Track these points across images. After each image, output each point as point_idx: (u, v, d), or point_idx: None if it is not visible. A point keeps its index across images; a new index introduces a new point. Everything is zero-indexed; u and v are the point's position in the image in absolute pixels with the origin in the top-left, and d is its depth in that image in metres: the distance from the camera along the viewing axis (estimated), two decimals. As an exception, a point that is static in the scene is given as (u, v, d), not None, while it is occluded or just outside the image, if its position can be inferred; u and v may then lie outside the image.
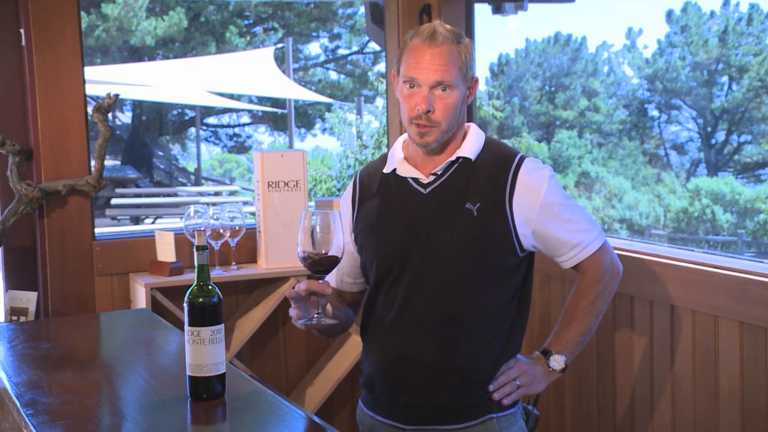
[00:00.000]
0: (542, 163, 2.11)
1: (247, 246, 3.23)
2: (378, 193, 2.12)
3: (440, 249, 2.01)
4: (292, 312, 1.92)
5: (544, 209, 2.02)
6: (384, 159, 2.17)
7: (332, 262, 1.84)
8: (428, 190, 2.06)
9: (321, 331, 2.10)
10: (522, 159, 2.06)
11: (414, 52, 1.99)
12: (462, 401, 2.03)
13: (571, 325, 2.10)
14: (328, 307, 2.01)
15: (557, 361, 2.08)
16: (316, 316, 1.88)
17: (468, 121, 2.16)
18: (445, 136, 2.02)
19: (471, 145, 2.07)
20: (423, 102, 1.97)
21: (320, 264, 1.84)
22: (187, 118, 20.42)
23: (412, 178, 2.08)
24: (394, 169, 2.11)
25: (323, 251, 1.82)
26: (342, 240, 1.84)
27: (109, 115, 3.03)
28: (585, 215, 2.11)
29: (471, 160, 2.05)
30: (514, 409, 2.10)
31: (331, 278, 2.19)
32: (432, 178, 2.07)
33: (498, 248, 2.01)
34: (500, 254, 2.01)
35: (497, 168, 2.04)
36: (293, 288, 1.88)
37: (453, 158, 2.05)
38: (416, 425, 2.05)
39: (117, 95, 2.94)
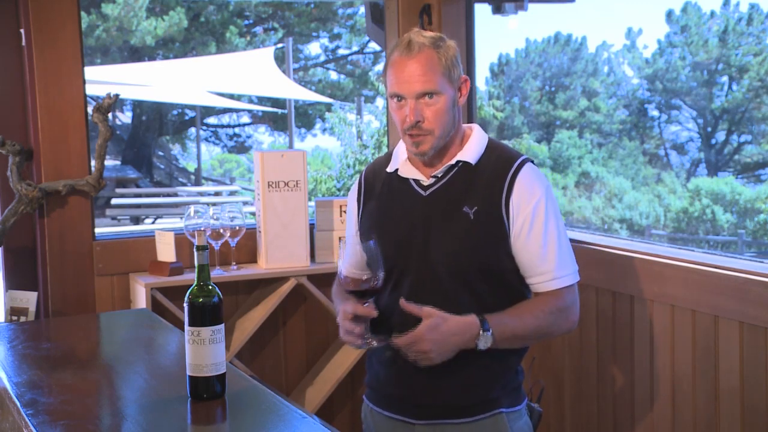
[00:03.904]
0: (545, 177, 2.09)
1: (247, 246, 3.23)
2: (381, 193, 2.13)
3: (437, 252, 2.01)
4: (343, 335, 1.97)
5: (528, 218, 2.00)
6: (389, 157, 2.18)
7: (376, 290, 1.94)
8: (428, 192, 2.06)
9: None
10: (524, 162, 2.05)
11: (395, 67, 2.00)
12: (470, 398, 2.04)
13: (523, 318, 2.00)
14: None
15: (486, 342, 1.95)
16: (367, 339, 1.96)
17: (470, 122, 2.15)
18: (440, 142, 2.02)
19: (472, 149, 2.07)
20: (411, 114, 1.98)
21: (365, 291, 1.94)
22: (187, 118, 20.41)
23: (413, 180, 2.09)
24: (397, 169, 2.12)
25: (364, 277, 1.93)
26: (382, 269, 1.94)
27: (109, 115, 3.02)
28: (564, 248, 2.05)
29: (471, 164, 2.05)
30: (522, 405, 2.11)
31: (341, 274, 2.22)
32: (432, 180, 2.07)
33: (494, 252, 2.01)
34: (497, 258, 2.01)
35: (497, 172, 2.04)
36: (340, 313, 1.98)
37: (453, 162, 2.05)
38: (426, 420, 2.06)
39: (117, 95, 2.94)
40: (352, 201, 2.21)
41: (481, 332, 1.93)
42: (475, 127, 2.13)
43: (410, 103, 1.98)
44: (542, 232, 2.01)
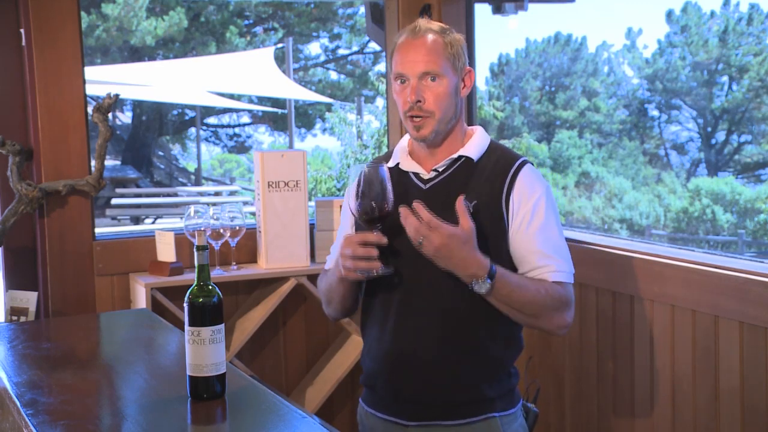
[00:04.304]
0: (544, 178, 2.11)
1: (247, 246, 3.23)
2: None
3: None
4: (349, 264, 1.95)
5: (528, 214, 2.01)
6: (388, 156, 2.19)
7: (386, 214, 1.94)
8: (428, 185, 2.07)
9: (345, 309, 2.16)
10: (524, 162, 2.07)
11: (401, 49, 2.03)
12: (464, 397, 2.03)
13: (523, 285, 1.98)
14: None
15: (481, 287, 1.93)
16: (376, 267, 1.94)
17: (470, 124, 2.17)
18: (441, 126, 2.03)
19: (475, 146, 2.08)
20: (412, 93, 1.99)
21: (377, 216, 1.94)
22: (187, 118, 20.42)
23: (413, 173, 2.10)
24: (398, 164, 2.13)
25: (373, 204, 1.93)
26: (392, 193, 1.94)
27: (109, 115, 3.03)
28: (563, 247, 2.05)
29: (473, 160, 2.06)
30: (516, 408, 2.10)
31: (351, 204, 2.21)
32: (433, 174, 2.08)
33: (493, 247, 2.01)
34: (496, 252, 2.01)
35: (498, 169, 2.05)
36: (344, 243, 1.96)
37: (455, 156, 2.06)
38: (419, 422, 2.05)
39: (117, 95, 2.94)
40: (349, 197, 2.20)
41: (484, 276, 1.91)
42: (479, 129, 2.15)
43: (412, 83, 2.00)
44: (543, 228, 2.02)
